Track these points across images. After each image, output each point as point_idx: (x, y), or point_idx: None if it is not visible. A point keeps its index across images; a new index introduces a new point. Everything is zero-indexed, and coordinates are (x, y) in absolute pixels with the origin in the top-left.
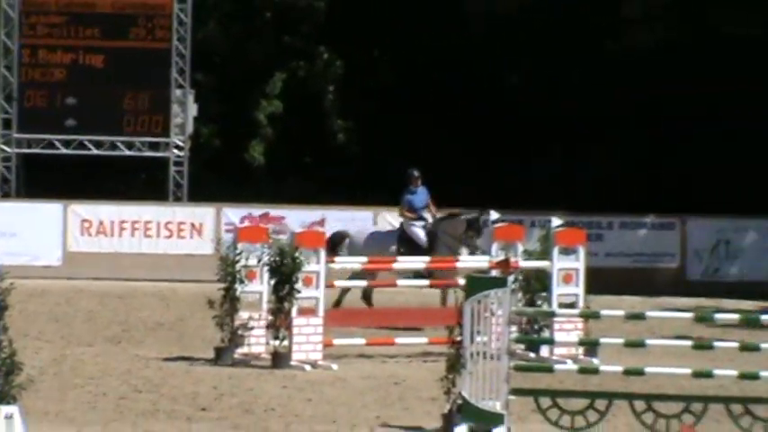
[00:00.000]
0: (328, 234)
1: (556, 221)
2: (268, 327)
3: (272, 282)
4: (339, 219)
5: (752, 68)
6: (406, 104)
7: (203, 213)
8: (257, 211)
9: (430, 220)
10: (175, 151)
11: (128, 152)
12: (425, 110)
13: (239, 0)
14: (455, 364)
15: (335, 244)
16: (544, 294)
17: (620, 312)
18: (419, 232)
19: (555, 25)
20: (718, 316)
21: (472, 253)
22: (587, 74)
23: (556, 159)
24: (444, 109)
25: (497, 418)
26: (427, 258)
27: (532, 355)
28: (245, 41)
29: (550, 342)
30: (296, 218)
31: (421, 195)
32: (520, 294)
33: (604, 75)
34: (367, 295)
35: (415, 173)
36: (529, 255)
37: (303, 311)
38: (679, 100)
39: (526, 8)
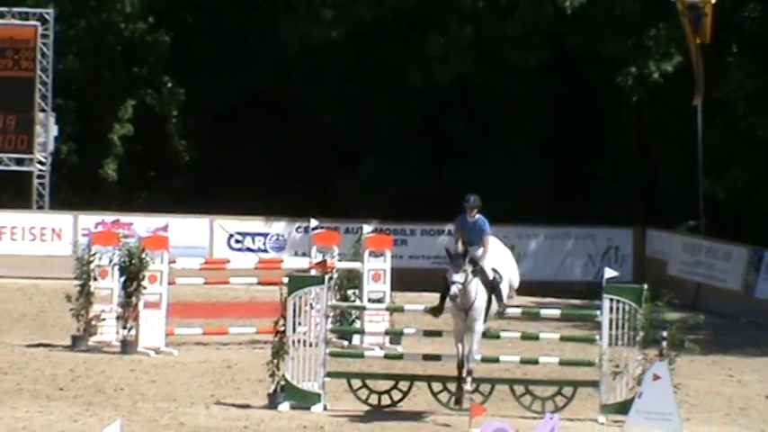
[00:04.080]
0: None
1: (367, 228)
2: (118, 318)
3: (122, 279)
4: (181, 225)
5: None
6: (238, 126)
7: (62, 220)
8: (109, 217)
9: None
10: (38, 166)
11: None
12: (253, 130)
13: (95, 35)
14: (279, 351)
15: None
16: (356, 291)
17: (421, 306)
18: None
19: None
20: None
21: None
22: (389, 101)
23: (367, 175)
24: (270, 128)
25: (315, 397)
26: (256, 259)
27: (346, 343)
28: (100, 71)
29: (361, 332)
30: (143, 224)
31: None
32: (335, 291)
33: (405, 102)
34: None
35: (471, 199)
36: (343, 257)
37: (149, 305)
38: (465, 124)
39: (337, 43)
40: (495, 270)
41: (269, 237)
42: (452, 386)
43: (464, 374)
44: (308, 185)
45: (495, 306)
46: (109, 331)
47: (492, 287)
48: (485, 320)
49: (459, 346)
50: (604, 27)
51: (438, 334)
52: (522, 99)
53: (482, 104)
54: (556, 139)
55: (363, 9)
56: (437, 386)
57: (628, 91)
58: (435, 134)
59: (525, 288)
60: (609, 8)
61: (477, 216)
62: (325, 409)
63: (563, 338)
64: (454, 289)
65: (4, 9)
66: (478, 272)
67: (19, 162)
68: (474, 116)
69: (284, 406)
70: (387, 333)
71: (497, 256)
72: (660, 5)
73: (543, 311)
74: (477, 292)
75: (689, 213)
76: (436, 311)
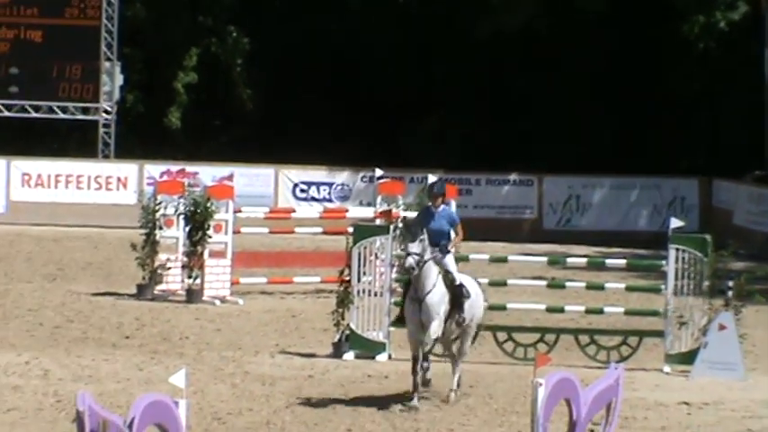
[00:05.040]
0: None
1: (432, 178)
2: (183, 267)
3: (187, 228)
4: (246, 174)
5: (596, 42)
6: (303, 76)
7: (128, 169)
8: (174, 167)
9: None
10: (104, 115)
11: (63, 115)
12: (318, 80)
13: None
14: (344, 300)
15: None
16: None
17: (486, 256)
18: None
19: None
20: (569, 260)
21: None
22: (454, 52)
23: (432, 126)
24: (335, 78)
25: (380, 347)
26: (321, 208)
27: None
28: (166, 19)
29: None
30: (208, 173)
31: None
32: (401, 240)
33: (470, 53)
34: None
35: (437, 186)
36: (408, 206)
37: (214, 254)
38: (533, 75)
39: None
40: (462, 285)
41: (334, 186)
42: (518, 336)
43: (419, 368)
44: (373, 136)
45: (458, 315)
46: (174, 280)
47: (453, 291)
48: (442, 330)
49: (413, 341)
50: None
51: (503, 284)
52: (586, 49)
53: (546, 55)
54: (620, 89)
55: None
56: (502, 335)
57: (693, 40)
58: (499, 85)
59: (590, 238)
60: None
61: (443, 206)
62: (389, 358)
63: (628, 288)
64: (410, 260)
65: None
66: (443, 267)
67: (85, 111)
68: (538, 66)
69: (349, 355)
70: None
71: (469, 281)
72: None
73: (608, 261)
74: (437, 283)
75: (755, 163)
76: (398, 321)
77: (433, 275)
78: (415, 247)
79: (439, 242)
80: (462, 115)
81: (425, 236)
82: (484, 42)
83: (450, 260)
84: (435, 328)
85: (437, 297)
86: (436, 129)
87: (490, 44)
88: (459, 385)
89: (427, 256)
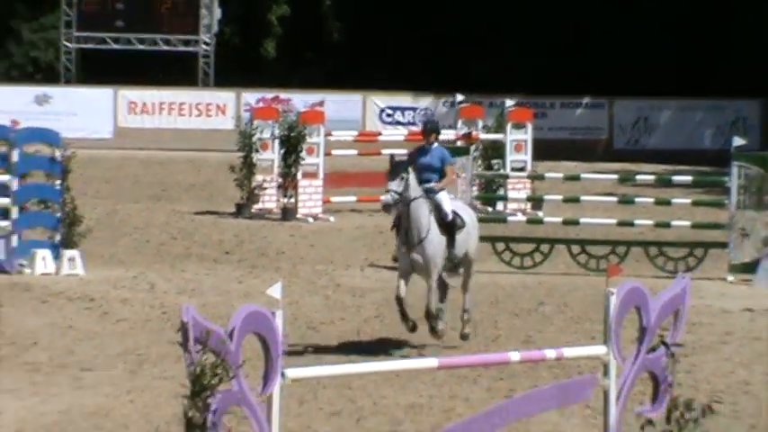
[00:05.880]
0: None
1: (509, 102)
2: (278, 187)
3: (282, 151)
4: (336, 101)
5: None
6: (389, 7)
7: (226, 96)
8: (269, 94)
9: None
10: (203, 47)
11: (165, 47)
12: (404, 11)
13: None
14: None
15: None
16: (499, 161)
17: (560, 175)
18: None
19: None
20: (638, 177)
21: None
22: None
23: (511, 52)
24: (419, 10)
25: None
26: (405, 131)
27: (490, 209)
28: None
29: (504, 198)
30: (300, 100)
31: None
32: (480, 161)
33: None
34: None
35: (429, 123)
36: (487, 129)
37: (306, 175)
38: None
39: None
40: (455, 212)
41: (417, 111)
42: (591, 249)
43: (431, 322)
44: (453, 65)
45: (451, 251)
46: (270, 199)
47: (449, 225)
48: (441, 269)
49: (402, 282)
50: None
51: (577, 200)
52: None
53: None
54: (684, 13)
55: None
56: (576, 248)
57: None
58: (570, 13)
59: (658, 157)
60: None
61: (436, 144)
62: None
63: (694, 203)
64: (386, 197)
65: None
66: (434, 204)
67: (186, 43)
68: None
69: None
70: (528, 199)
71: (462, 208)
72: None
73: (675, 178)
74: (430, 227)
75: None
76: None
77: (424, 218)
78: (394, 185)
79: (429, 178)
80: (535, 44)
81: (410, 175)
82: None
83: (444, 197)
84: (435, 273)
85: (433, 243)
86: (513, 58)
87: None
88: (468, 312)
89: (412, 194)
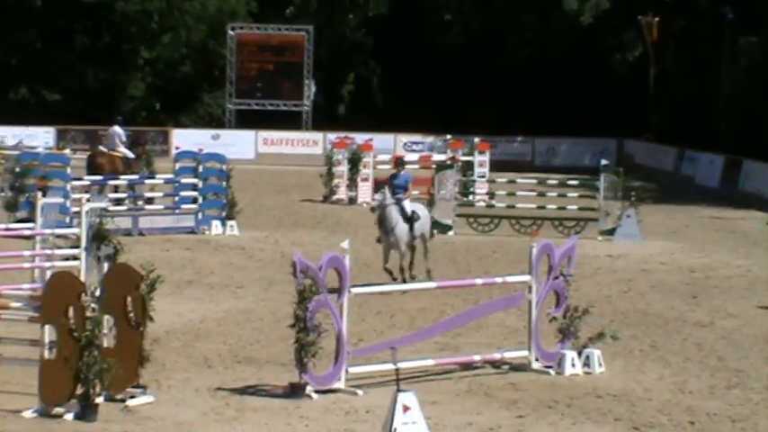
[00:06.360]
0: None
1: (476, 139)
2: (347, 186)
3: (349, 166)
4: (378, 138)
5: None
6: (413, 81)
7: (318, 135)
8: (342, 134)
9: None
10: (305, 107)
11: (284, 107)
12: (421, 80)
13: None
14: None
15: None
16: (470, 171)
17: (505, 180)
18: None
19: None
20: (548, 181)
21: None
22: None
23: (481, 106)
24: (431, 81)
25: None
26: (418, 156)
27: (465, 198)
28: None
29: (473, 193)
30: (359, 138)
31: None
32: (460, 172)
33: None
34: None
35: (401, 161)
36: (464, 153)
37: (362, 179)
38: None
39: None
40: (414, 211)
41: (425, 143)
42: (522, 222)
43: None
44: (447, 113)
45: (411, 233)
46: (342, 193)
47: (409, 219)
48: (406, 244)
49: (384, 256)
50: None
51: (513, 194)
52: None
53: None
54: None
55: None
56: (513, 221)
57: None
58: (522, 79)
59: (560, 169)
60: None
61: (403, 172)
62: None
63: (580, 196)
64: (373, 204)
65: None
66: (400, 207)
67: (295, 105)
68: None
69: None
70: (486, 193)
71: (419, 208)
72: None
73: (570, 182)
74: (398, 220)
75: None
76: (378, 241)
77: (394, 215)
78: (378, 196)
79: (399, 192)
80: (494, 102)
81: (386, 190)
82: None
83: (406, 203)
84: (403, 247)
85: (400, 228)
86: (479, 111)
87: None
88: (430, 270)
89: (387, 202)
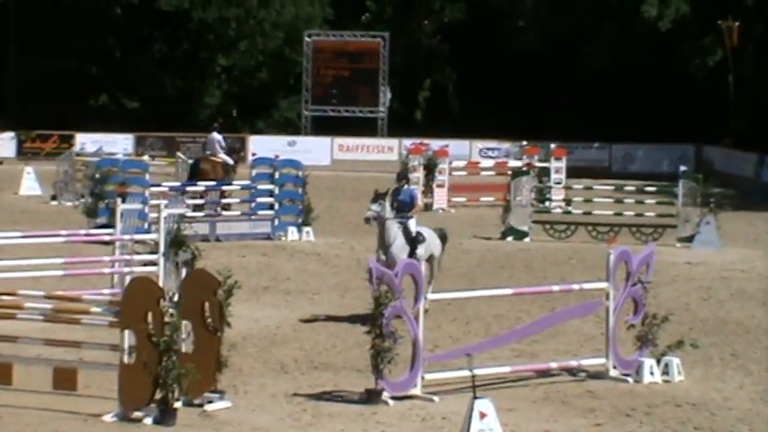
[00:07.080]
0: None
1: (552, 145)
2: (422, 192)
3: (425, 172)
4: (454, 144)
5: None
6: (490, 86)
7: (393, 141)
8: (417, 140)
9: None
10: (380, 113)
11: (359, 114)
12: (498, 85)
13: None
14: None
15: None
16: (546, 178)
17: (581, 186)
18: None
19: None
20: (626, 188)
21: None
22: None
23: (560, 112)
24: (509, 87)
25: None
26: (493, 162)
27: (542, 205)
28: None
29: (550, 200)
30: (435, 144)
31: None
32: (536, 178)
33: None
34: None
35: (404, 175)
36: (540, 160)
37: (438, 185)
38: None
39: None
40: (419, 232)
41: (501, 150)
42: (599, 228)
43: None
44: (525, 119)
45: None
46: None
47: (412, 241)
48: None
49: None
50: None
51: (590, 201)
52: None
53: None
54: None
55: None
56: (590, 228)
57: None
58: (587, 85)
59: (638, 175)
60: None
61: (406, 186)
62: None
63: (658, 203)
64: (368, 213)
65: None
66: (404, 226)
67: (371, 111)
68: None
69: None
70: (563, 200)
71: (426, 230)
72: None
73: (647, 188)
74: (397, 237)
75: None
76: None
77: (393, 231)
78: (374, 206)
79: (404, 208)
80: (573, 109)
81: (386, 202)
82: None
83: (412, 222)
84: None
85: (398, 247)
86: (558, 117)
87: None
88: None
89: (387, 215)
